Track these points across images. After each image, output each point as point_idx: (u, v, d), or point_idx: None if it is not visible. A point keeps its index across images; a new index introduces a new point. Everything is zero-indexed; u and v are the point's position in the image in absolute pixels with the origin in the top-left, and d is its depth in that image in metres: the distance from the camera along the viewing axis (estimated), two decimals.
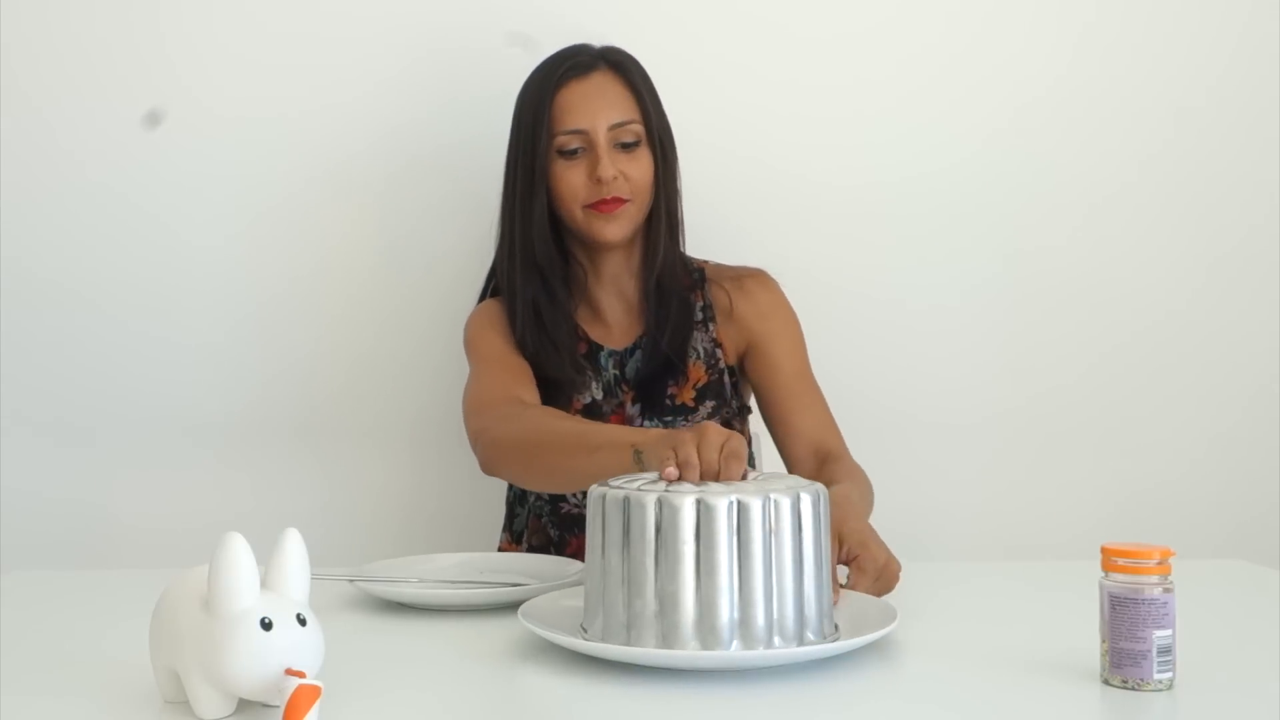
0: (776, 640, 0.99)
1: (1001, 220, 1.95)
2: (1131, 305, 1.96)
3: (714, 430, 1.09)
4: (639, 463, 1.18)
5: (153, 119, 1.85)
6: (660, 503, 0.99)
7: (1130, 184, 1.96)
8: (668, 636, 0.99)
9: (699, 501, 0.99)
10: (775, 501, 0.99)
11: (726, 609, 0.98)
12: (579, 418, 1.52)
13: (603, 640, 1.02)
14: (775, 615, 0.99)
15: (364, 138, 1.90)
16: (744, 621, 0.98)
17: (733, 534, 0.98)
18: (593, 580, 1.04)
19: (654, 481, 1.05)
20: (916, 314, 1.95)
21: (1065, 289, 1.96)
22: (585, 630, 1.05)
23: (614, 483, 1.05)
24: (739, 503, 0.99)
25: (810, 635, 1.01)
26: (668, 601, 0.98)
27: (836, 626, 1.05)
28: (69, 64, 1.88)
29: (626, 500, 1.01)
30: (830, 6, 1.94)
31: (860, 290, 1.93)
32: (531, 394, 1.52)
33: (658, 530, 0.99)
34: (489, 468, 1.44)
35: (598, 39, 1.60)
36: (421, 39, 1.90)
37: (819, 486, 1.04)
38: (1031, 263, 1.96)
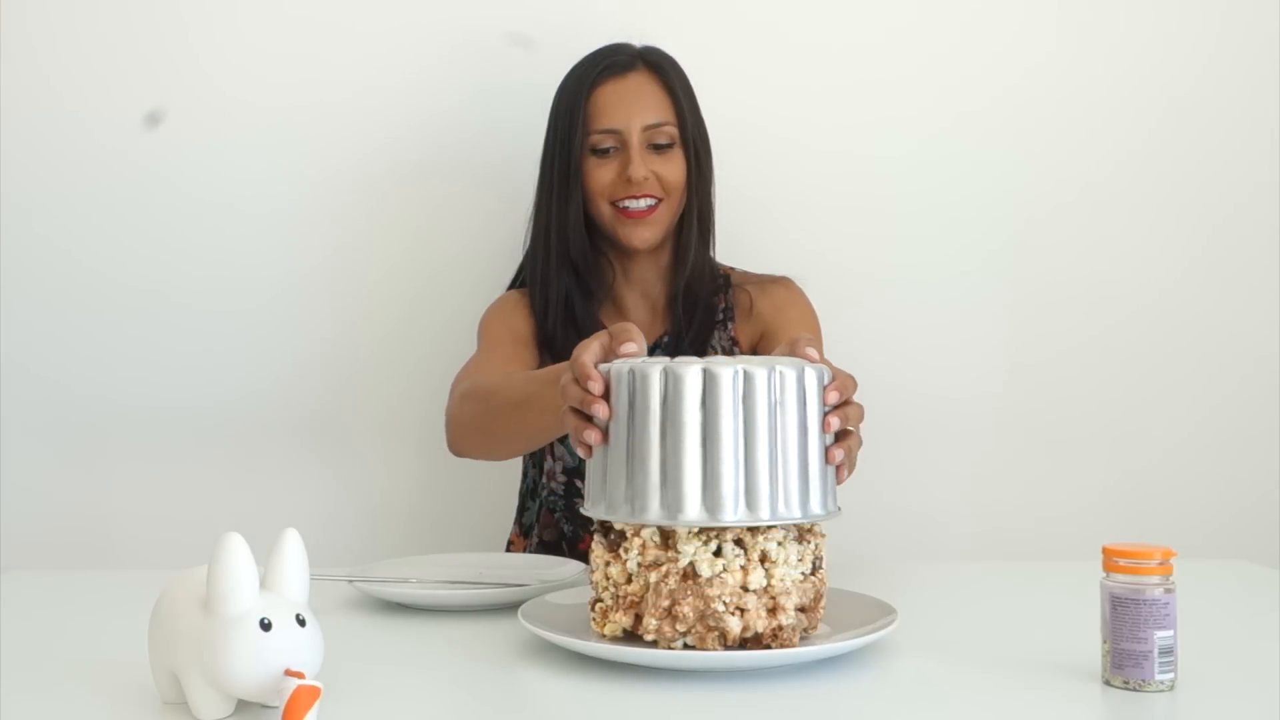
0: (781, 509, 0.98)
1: (1002, 221, 1.95)
2: (1133, 306, 1.96)
3: (578, 353, 1.05)
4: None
5: (152, 119, 1.85)
6: (666, 373, 0.99)
7: (1132, 183, 1.96)
8: (671, 507, 0.98)
9: (704, 371, 0.98)
10: (781, 373, 0.99)
11: (731, 478, 0.97)
12: (514, 374, 1.44)
13: (607, 515, 1.01)
14: (781, 485, 0.98)
15: (379, 137, 1.90)
16: (749, 491, 0.98)
17: (738, 403, 0.98)
18: (596, 459, 1.03)
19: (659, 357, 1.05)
20: (917, 314, 1.94)
21: (1068, 290, 1.95)
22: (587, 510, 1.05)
23: (618, 360, 1.04)
24: (744, 372, 0.98)
25: (815, 508, 1.01)
26: (672, 472, 0.98)
27: (839, 507, 1.05)
28: (94, 63, 1.88)
29: (632, 373, 1.00)
30: (833, 13, 1.93)
31: (860, 288, 1.92)
32: None
33: (663, 401, 0.99)
34: (453, 449, 1.47)
35: (608, 38, 1.60)
36: (443, 35, 1.89)
37: (823, 366, 1.04)
38: (1034, 264, 1.95)
